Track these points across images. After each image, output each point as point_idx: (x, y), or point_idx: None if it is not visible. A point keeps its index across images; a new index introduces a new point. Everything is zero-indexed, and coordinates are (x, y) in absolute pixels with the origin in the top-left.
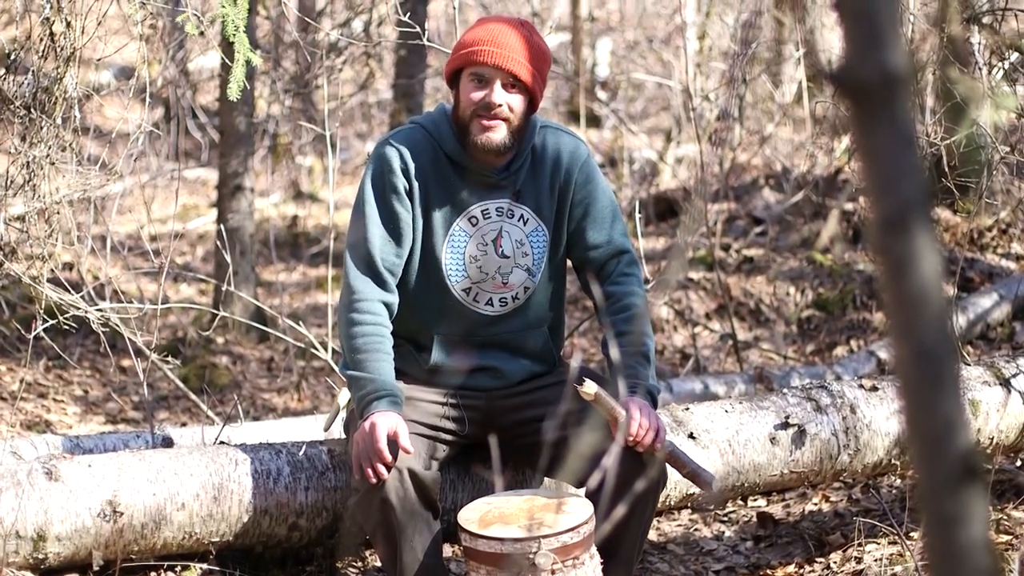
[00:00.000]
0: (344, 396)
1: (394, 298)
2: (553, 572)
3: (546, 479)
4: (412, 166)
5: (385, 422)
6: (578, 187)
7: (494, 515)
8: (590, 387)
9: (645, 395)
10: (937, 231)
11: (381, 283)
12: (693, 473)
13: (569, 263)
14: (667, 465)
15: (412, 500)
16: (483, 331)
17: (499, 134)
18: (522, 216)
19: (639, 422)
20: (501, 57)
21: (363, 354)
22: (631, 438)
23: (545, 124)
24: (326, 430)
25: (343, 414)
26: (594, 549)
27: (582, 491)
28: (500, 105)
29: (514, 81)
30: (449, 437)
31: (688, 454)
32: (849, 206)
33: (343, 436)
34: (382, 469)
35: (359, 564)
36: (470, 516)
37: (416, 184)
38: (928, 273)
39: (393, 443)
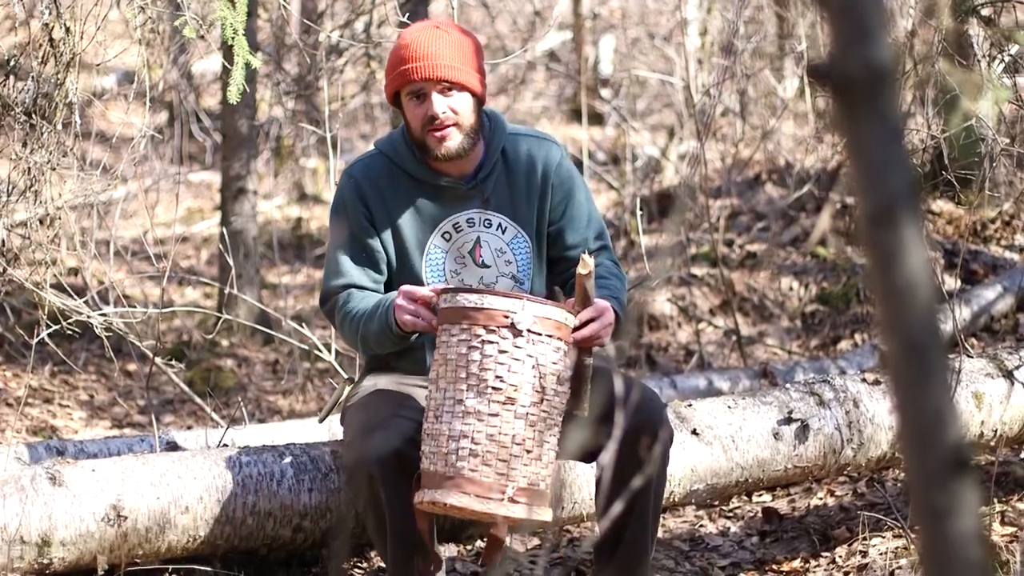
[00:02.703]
0: (339, 390)
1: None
2: (531, 340)
3: None
4: (371, 194)
5: (409, 286)
6: (555, 189)
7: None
8: (589, 261)
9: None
10: (940, 223)
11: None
12: (576, 392)
13: None
14: (659, 418)
15: (401, 479)
16: None
17: (454, 140)
18: (499, 225)
19: (595, 324)
20: (428, 69)
21: (359, 310)
22: (579, 330)
23: (514, 131)
24: (321, 421)
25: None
26: (572, 358)
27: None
28: (444, 113)
29: (449, 85)
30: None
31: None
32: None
33: (340, 427)
34: (427, 313)
35: (364, 565)
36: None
37: (379, 211)
38: (916, 266)
39: (396, 406)
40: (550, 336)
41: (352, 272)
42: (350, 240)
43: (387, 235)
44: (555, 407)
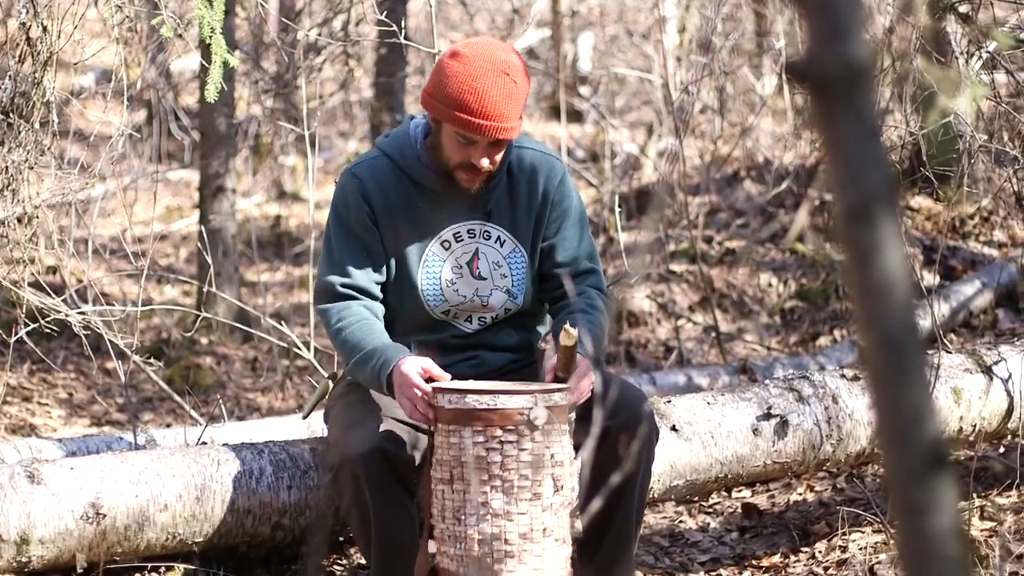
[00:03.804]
0: (323, 386)
1: (378, 306)
2: (545, 432)
3: None
4: (376, 196)
5: (411, 365)
6: (554, 206)
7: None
8: (573, 332)
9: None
10: (919, 220)
11: (362, 294)
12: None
13: None
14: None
15: (385, 478)
16: (459, 341)
17: (481, 180)
18: (498, 238)
19: (582, 385)
20: (491, 130)
21: (356, 340)
22: (572, 393)
23: (520, 144)
24: (305, 417)
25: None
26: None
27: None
28: (486, 166)
29: (498, 141)
30: (430, 427)
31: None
32: (823, 197)
33: (323, 425)
34: (424, 408)
35: (343, 562)
36: (444, 384)
37: (381, 213)
38: (893, 263)
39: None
40: (561, 423)
41: (352, 270)
42: (352, 237)
43: (388, 238)
44: (571, 489)
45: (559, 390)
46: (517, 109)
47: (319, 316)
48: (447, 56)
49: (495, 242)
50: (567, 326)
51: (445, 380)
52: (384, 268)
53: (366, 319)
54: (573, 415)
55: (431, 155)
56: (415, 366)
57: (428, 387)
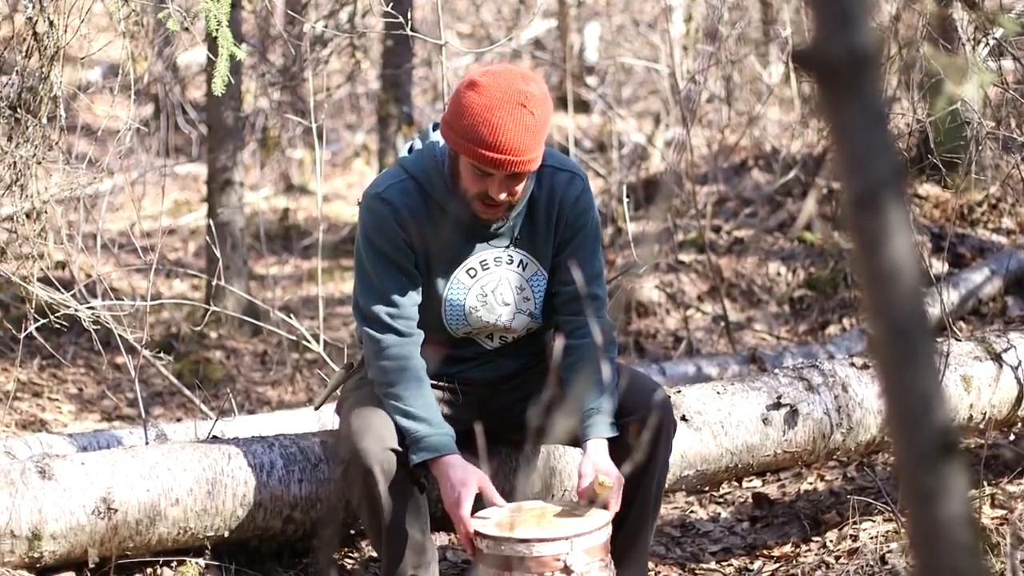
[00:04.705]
0: (337, 377)
1: (419, 338)
2: (583, 573)
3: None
4: (408, 220)
5: (461, 479)
6: (568, 225)
7: (506, 521)
8: (608, 481)
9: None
10: (927, 207)
11: (401, 332)
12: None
13: None
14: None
15: (396, 473)
16: (481, 354)
17: (500, 212)
18: (521, 261)
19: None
20: (502, 163)
21: (399, 405)
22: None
23: (543, 163)
24: (317, 408)
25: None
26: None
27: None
28: (503, 198)
29: (516, 174)
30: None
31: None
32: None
33: (335, 417)
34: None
35: (355, 555)
36: (483, 522)
37: (413, 238)
38: (901, 251)
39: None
40: (600, 560)
41: (397, 299)
42: (390, 263)
43: (418, 261)
44: None
45: (596, 529)
46: (535, 141)
47: (366, 337)
48: (464, 85)
49: (518, 266)
50: (601, 479)
51: (502, 505)
52: (418, 285)
53: (409, 368)
54: (608, 554)
55: (454, 181)
56: (464, 483)
57: (470, 527)
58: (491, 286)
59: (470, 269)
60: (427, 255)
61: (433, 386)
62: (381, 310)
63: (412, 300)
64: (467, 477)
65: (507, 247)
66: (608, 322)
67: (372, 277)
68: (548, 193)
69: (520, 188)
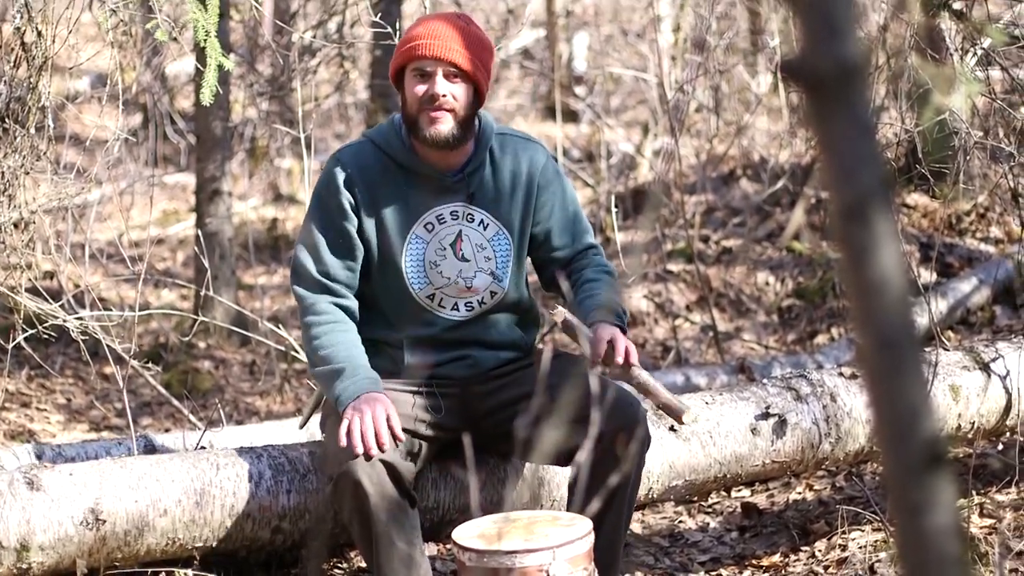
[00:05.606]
0: (319, 392)
1: (351, 303)
2: None
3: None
4: (359, 180)
5: (380, 409)
6: (540, 191)
7: (492, 533)
8: (559, 312)
9: (611, 316)
10: (915, 217)
11: (332, 293)
12: (665, 404)
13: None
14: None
15: (386, 487)
16: (450, 334)
17: (446, 125)
18: (481, 221)
19: (604, 343)
20: (440, 48)
21: (327, 349)
22: (599, 360)
23: (502, 131)
24: (302, 427)
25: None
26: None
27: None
28: (444, 95)
29: (456, 71)
30: (427, 432)
31: (658, 384)
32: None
33: (320, 432)
34: (373, 444)
35: (344, 565)
36: (467, 534)
37: (364, 197)
38: (888, 262)
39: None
40: (583, 569)
41: (327, 258)
42: (330, 223)
43: (370, 223)
44: None
45: (579, 538)
46: (469, 43)
47: (295, 296)
48: None
49: (478, 225)
50: (550, 312)
51: (402, 439)
52: (361, 254)
53: (336, 326)
54: (591, 562)
55: (407, 126)
56: (381, 409)
57: (385, 437)
58: (449, 239)
59: (427, 224)
60: (380, 215)
61: (413, 393)
62: (311, 266)
63: (345, 265)
64: (381, 405)
65: (464, 202)
66: (607, 262)
67: (312, 233)
68: (513, 161)
69: (462, 97)
